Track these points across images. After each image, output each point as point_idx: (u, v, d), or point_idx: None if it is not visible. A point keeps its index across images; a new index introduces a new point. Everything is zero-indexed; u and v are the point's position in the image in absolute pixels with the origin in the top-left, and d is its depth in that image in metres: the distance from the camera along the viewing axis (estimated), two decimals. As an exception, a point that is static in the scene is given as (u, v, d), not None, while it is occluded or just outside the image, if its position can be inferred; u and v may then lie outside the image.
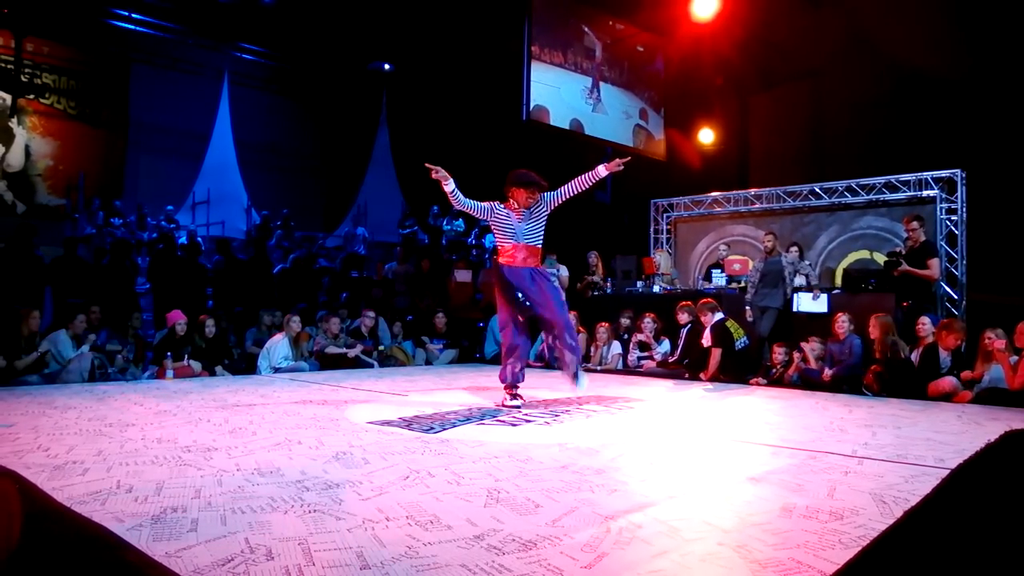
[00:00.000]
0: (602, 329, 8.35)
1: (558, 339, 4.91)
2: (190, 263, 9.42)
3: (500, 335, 5.18)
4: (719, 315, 7.13)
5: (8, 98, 12.17)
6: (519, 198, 4.87)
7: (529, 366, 6.02)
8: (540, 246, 5.00)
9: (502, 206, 4.94)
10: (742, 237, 11.13)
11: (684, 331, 7.57)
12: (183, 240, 11.24)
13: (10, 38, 12.12)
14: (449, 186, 4.82)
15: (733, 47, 11.54)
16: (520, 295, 4.90)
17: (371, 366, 8.38)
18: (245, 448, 3.44)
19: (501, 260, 4.95)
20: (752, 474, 2.97)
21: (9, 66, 12.12)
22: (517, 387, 5.14)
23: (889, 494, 2.62)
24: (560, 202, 4.97)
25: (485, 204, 4.92)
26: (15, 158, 12.22)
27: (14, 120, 12.21)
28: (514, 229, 4.88)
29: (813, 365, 6.75)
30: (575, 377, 4.85)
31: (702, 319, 7.21)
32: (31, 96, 12.39)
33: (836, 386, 6.40)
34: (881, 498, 2.56)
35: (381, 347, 8.73)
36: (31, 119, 12.44)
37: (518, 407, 4.96)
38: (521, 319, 5.05)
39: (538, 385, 6.18)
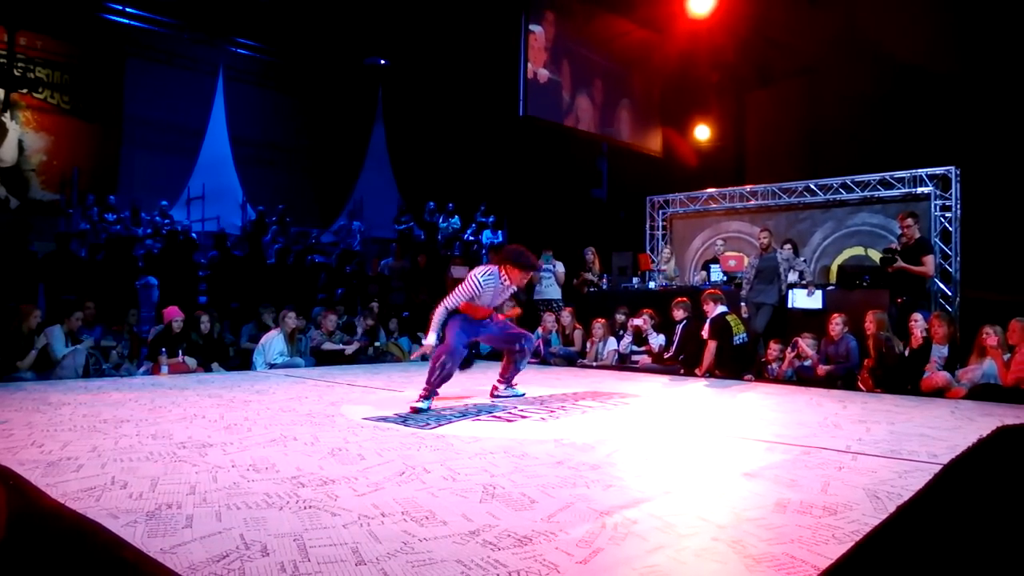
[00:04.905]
0: (598, 325, 8.34)
1: (524, 347, 5.13)
2: (186, 259, 9.39)
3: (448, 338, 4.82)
4: (722, 308, 7.09)
5: (1, 93, 12.09)
6: (514, 277, 4.73)
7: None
8: None
9: (496, 275, 4.72)
10: (737, 233, 11.14)
11: (680, 327, 7.56)
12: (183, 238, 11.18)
13: (3, 32, 12.04)
14: (432, 339, 4.73)
15: (729, 44, 11.54)
16: (479, 332, 5.03)
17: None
18: (240, 444, 3.44)
19: (464, 311, 4.81)
20: (746, 470, 2.98)
21: (2, 60, 12.05)
22: (438, 392, 4.78)
23: (883, 489, 2.63)
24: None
25: (473, 282, 4.65)
26: (8, 153, 12.14)
27: (7, 115, 12.13)
28: (495, 299, 4.86)
29: (810, 353, 6.76)
30: (510, 380, 5.22)
31: (704, 307, 7.15)
32: (24, 91, 12.31)
33: (830, 382, 6.43)
34: (875, 493, 2.58)
35: (377, 343, 8.72)
36: (24, 114, 12.36)
37: (424, 410, 4.53)
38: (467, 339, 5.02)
39: (533, 381, 6.19)
